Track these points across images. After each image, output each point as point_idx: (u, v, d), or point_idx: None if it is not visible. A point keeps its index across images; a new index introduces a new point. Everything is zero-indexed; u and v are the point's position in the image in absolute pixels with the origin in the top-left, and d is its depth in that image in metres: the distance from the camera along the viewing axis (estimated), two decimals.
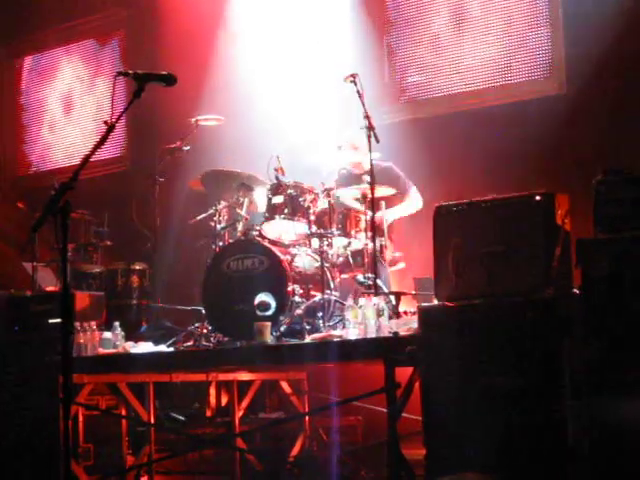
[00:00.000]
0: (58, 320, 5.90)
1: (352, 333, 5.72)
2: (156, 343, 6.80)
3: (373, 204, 6.46)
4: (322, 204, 6.80)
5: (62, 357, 3.89)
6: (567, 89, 7.87)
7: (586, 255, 4.49)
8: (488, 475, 4.51)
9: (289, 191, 6.74)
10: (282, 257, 6.56)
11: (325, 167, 7.36)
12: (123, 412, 6.87)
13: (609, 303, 4.40)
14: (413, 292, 6.79)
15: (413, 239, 7.36)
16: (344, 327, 5.96)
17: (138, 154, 9.90)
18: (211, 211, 7.19)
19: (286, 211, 6.72)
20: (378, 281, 6.40)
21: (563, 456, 4.41)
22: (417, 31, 8.74)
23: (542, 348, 4.53)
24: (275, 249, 6.62)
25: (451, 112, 8.41)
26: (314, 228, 6.71)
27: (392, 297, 6.42)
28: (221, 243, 7.03)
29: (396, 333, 5.32)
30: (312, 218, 6.73)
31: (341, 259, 6.90)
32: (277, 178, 6.81)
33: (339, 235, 6.77)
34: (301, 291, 6.58)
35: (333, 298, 6.58)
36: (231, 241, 6.99)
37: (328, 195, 6.76)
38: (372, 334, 5.61)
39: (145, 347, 6.64)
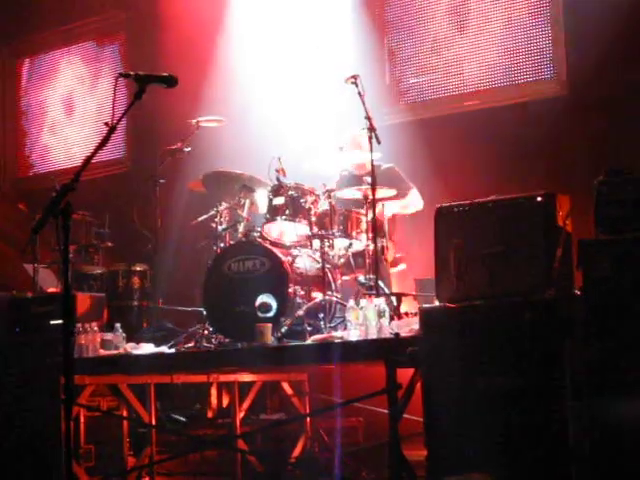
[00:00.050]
0: (59, 321, 5.92)
1: (353, 334, 5.72)
2: (157, 344, 6.79)
3: (374, 205, 6.47)
4: (323, 205, 6.80)
5: (63, 358, 3.88)
6: (568, 90, 7.87)
7: (587, 256, 4.49)
8: (493, 476, 4.51)
9: (290, 192, 6.74)
10: (283, 258, 6.56)
11: (326, 170, 7.34)
12: (124, 413, 6.86)
13: (610, 304, 4.40)
14: (414, 293, 6.79)
15: (414, 240, 7.36)
16: (345, 328, 5.96)
17: (139, 155, 9.90)
18: (212, 212, 7.19)
19: (287, 212, 6.72)
20: (379, 282, 6.40)
21: (564, 457, 4.41)
22: (418, 32, 8.74)
23: (543, 349, 4.53)
24: (276, 250, 6.62)
25: (452, 113, 8.42)
26: (315, 229, 6.71)
27: (393, 298, 6.43)
28: (222, 244, 7.03)
29: (397, 334, 5.32)
30: (313, 219, 6.73)
31: (342, 260, 6.90)
32: (278, 179, 6.81)
33: (340, 236, 6.77)
34: (302, 292, 6.58)
35: (334, 299, 6.58)
36: (232, 242, 6.99)
37: (329, 196, 6.76)
38: (373, 335, 5.60)
39: (146, 348, 6.63)
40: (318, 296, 6.60)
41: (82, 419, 6.68)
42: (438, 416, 4.80)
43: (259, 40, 9.09)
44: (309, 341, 6.07)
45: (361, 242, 6.82)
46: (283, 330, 6.39)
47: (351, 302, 6.01)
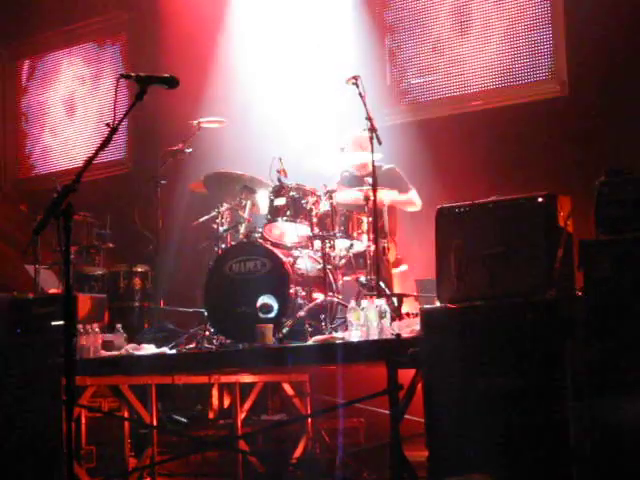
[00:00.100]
0: (60, 322, 5.91)
1: (354, 335, 5.72)
2: (158, 345, 6.79)
3: (375, 206, 6.47)
4: (324, 206, 6.80)
5: (64, 359, 3.88)
6: (569, 91, 7.87)
7: (588, 257, 4.50)
8: (494, 476, 4.51)
9: (291, 193, 6.74)
10: (284, 259, 6.57)
11: (327, 170, 7.34)
12: (125, 414, 6.86)
13: (611, 304, 4.40)
14: (415, 294, 6.79)
15: (415, 241, 7.36)
16: (346, 329, 5.96)
17: (140, 156, 9.90)
18: (213, 213, 7.19)
19: (288, 213, 6.72)
20: (380, 283, 6.40)
21: (565, 457, 4.41)
22: (419, 33, 8.74)
23: (544, 349, 4.53)
24: (277, 251, 6.62)
25: (453, 114, 8.41)
26: (316, 230, 6.71)
27: (394, 299, 6.43)
28: (223, 245, 7.03)
29: (398, 335, 5.32)
30: (314, 220, 6.72)
31: (343, 261, 6.90)
32: (279, 180, 6.81)
33: (341, 237, 6.77)
34: (303, 293, 6.59)
35: (335, 300, 6.58)
36: (233, 243, 6.99)
37: (330, 197, 6.77)
38: (374, 336, 5.60)
39: (147, 349, 6.63)
40: (319, 297, 6.60)
41: (83, 420, 6.68)
42: (439, 417, 4.80)
43: (260, 40, 9.08)
44: (310, 342, 6.07)
45: (362, 243, 6.82)
46: (284, 331, 6.38)
47: (352, 303, 6.01)
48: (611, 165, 4.60)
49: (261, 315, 6.39)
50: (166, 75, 4.20)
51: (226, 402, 7.72)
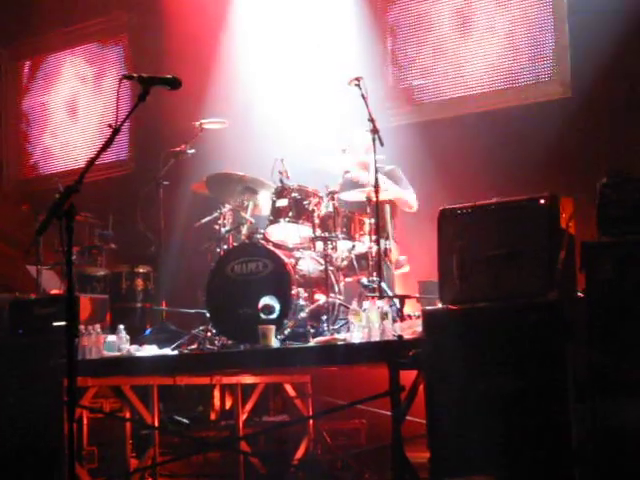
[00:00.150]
0: (62, 323, 5.93)
1: (356, 336, 5.71)
2: (160, 346, 6.79)
3: (377, 207, 6.47)
4: (326, 207, 6.80)
5: (66, 360, 3.88)
6: (571, 92, 7.87)
7: (590, 258, 4.50)
8: (496, 477, 4.51)
9: (293, 194, 6.74)
10: (286, 260, 6.56)
11: (329, 171, 7.34)
12: (127, 415, 6.87)
13: (613, 306, 4.40)
14: (417, 295, 6.79)
15: (417, 242, 7.35)
16: (348, 330, 5.96)
17: (142, 157, 9.90)
18: (215, 214, 7.19)
19: (290, 214, 6.72)
20: (382, 284, 6.40)
21: (567, 459, 4.41)
22: (421, 34, 8.74)
23: (546, 351, 4.53)
24: (279, 252, 6.62)
25: (456, 115, 8.41)
26: (318, 231, 6.70)
27: (396, 300, 6.42)
28: (225, 246, 7.03)
29: (400, 336, 5.32)
30: (316, 221, 6.72)
31: (345, 262, 6.90)
32: (281, 181, 6.81)
33: (343, 238, 6.77)
34: (305, 294, 6.58)
35: (337, 301, 6.57)
36: (235, 244, 6.99)
37: (332, 198, 6.77)
38: (376, 337, 5.59)
39: (149, 350, 6.63)
40: (321, 298, 6.60)
41: (85, 421, 6.70)
42: (441, 418, 4.80)
43: (263, 41, 9.08)
44: (312, 343, 6.07)
45: (364, 244, 6.82)
46: (286, 332, 6.38)
47: (354, 304, 6.01)
48: (612, 166, 4.60)
49: (263, 316, 6.38)
50: (168, 76, 4.20)
51: (228, 403, 7.72)
